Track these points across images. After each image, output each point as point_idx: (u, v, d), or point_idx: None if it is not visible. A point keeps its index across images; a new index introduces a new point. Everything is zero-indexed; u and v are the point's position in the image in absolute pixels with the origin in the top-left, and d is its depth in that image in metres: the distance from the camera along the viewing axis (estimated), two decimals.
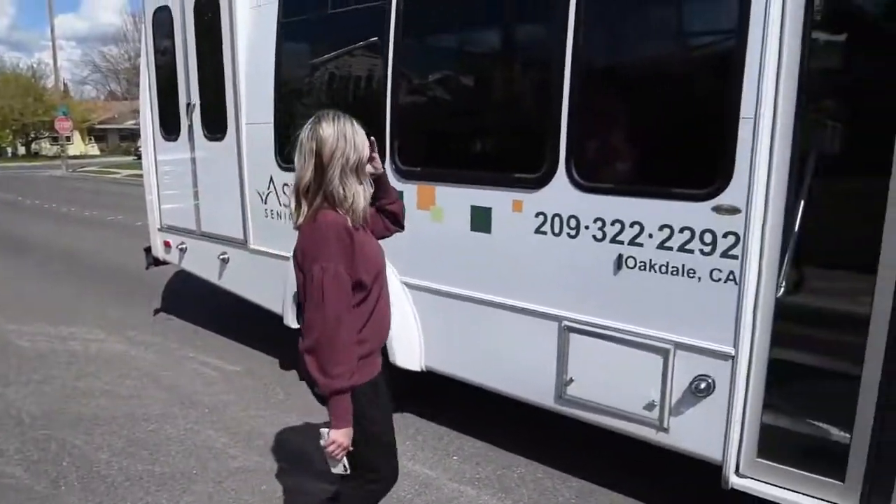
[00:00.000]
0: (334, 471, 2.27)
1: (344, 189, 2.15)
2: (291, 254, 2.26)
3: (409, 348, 3.87)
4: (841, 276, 3.10)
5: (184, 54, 4.81)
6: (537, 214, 3.19)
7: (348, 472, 2.26)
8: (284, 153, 4.30)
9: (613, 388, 3.12)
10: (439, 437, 3.97)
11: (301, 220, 2.18)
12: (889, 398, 2.52)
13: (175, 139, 5.10)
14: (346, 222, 2.14)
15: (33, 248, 10.20)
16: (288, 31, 4.19)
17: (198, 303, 6.48)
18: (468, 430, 3.98)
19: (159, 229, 5.62)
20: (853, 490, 2.65)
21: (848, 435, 2.65)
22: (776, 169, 2.60)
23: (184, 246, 5.38)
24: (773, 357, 2.80)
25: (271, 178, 4.43)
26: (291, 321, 4.51)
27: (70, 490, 3.40)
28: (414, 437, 3.97)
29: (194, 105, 4.83)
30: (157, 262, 5.82)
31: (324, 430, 2.17)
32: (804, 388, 3.03)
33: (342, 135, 2.14)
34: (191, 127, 4.91)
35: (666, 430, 2.99)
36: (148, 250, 5.83)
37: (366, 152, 2.23)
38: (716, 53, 2.80)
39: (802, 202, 3.05)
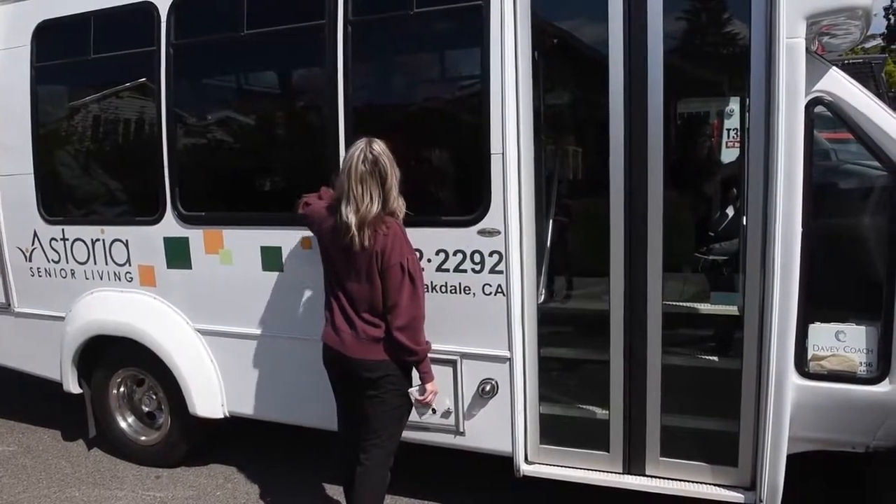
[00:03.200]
0: (424, 417, 3.10)
1: (399, 204, 2.69)
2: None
3: (209, 396, 3.77)
4: (594, 280, 3.67)
5: None
6: None
7: (436, 411, 3.11)
8: (49, 205, 3.98)
9: None
10: (251, 481, 3.90)
11: (367, 241, 2.60)
12: (631, 379, 3.06)
13: None
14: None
15: None
16: (44, 75, 3.90)
17: None
18: (276, 471, 3.97)
19: None
20: (617, 457, 3.16)
21: (607, 412, 3.16)
22: (525, 194, 3.05)
23: None
24: (542, 355, 3.25)
25: (35, 233, 4.05)
26: (72, 386, 4.13)
27: None
28: (224, 486, 3.86)
29: None
30: None
31: (413, 390, 2.83)
32: (571, 378, 3.54)
33: (391, 159, 2.62)
34: None
35: (463, 434, 3.29)
36: None
37: None
38: (465, 100, 3.21)
39: (551, 220, 3.59)
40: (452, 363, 3.22)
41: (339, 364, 2.85)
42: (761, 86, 2.68)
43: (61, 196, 4.02)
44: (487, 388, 3.17)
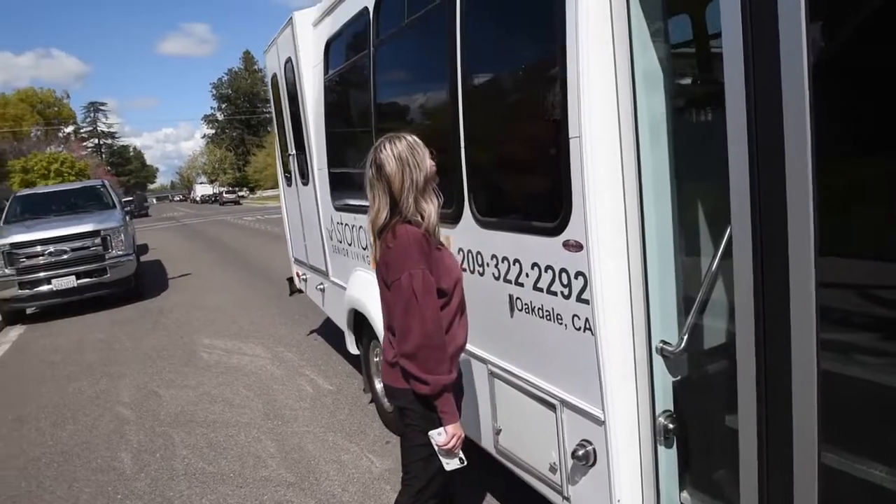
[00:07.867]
0: (450, 467, 2.37)
1: (420, 211, 2.25)
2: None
3: None
4: None
5: (285, 111, 5.59)
6: (458, 250, 3.03)
7: (465, 462, 2.38)
8: (332, 194, 4.74)
9: (529, 443, 2.79)
10: None
11: (378, 254, 2.30)
12: (769, 473, 1.84)
13: (290, 184, 5.92)
14: (423, 232, 2.25)
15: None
16: (328, 86, 4.63)
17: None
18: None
19: (293, 261, 6.52)
20: None
21: None
22: (629, 192, 2.12)
23: (305, 276, 6.16)
24: (665, 419, 2.25)
25: (331, 218, 4.89)
26: (351, 347, 4.88)
27: (146, 476, 4.25)
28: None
29: (293, 155, 5.57)
30: (300, 290, 6.68)
31: (433, 433, 2.31)
32: (710, 454, 2.31)
33: (405, 161, 2.22)
34: (294, 174, 5.67)
35: (568, 500, 2.57)
36: (290, 280, 6.77)
37: (429, 164, 2.28)
38: (536, 64, 2.38)
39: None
40: (553, 408, 2.53)
41: None
42: None
43: (338, 188, 4.72)
44: (581, 452, 2.38)
